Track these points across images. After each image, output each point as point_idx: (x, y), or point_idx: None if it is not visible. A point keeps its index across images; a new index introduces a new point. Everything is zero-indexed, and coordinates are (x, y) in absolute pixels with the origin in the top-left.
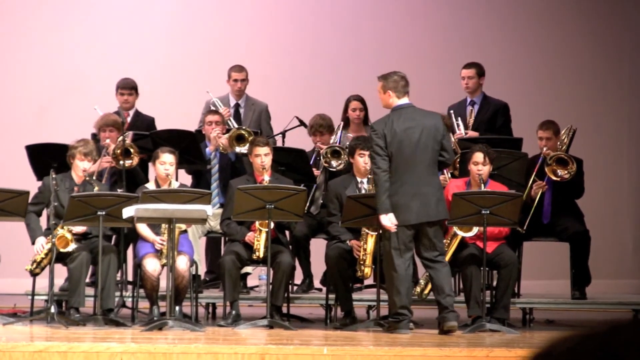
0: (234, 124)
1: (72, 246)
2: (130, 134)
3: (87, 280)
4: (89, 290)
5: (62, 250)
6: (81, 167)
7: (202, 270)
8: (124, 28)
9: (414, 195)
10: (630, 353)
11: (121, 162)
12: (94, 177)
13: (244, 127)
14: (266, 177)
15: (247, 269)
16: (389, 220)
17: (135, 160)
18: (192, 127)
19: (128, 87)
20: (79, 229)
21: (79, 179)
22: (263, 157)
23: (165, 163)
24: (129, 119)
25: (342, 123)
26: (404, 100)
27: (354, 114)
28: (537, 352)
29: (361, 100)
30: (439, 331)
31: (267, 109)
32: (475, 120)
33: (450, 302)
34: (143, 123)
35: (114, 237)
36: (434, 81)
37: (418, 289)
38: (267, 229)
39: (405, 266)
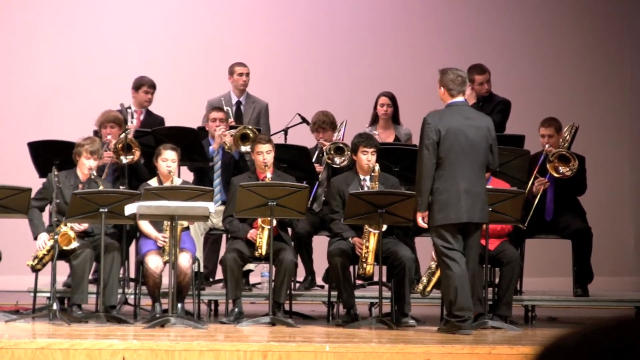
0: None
1: (74, 244)
2: (131, 130)
3: (90, 277)
4: (91, 287)
5: (65, 248)
6: (87, 165)
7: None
8: (125, 25)
9: (466, 193)
10: (638, 348)
11: (122, 158)
12: (95, 172)
13: (249, 127)
14: (268, 174)
15: (250, 266)
16: (422, 219)
17: (136, 155)
18: (193, 125)
19: (153, 86)
20: (80, 227)
21: (84, 176)
22: (265, 154)
23: (167, 160)
24: (141, 117)
25: (345, 120)
26: (459, 99)
27: (381, 110)
28: (544, 348)
29: (390, 96)
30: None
31: (267, 107)
32: None
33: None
34: (154, 122)
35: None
36: (432, 79)
37: (420, 286)
38: (269, 226)
39: (461, 263)
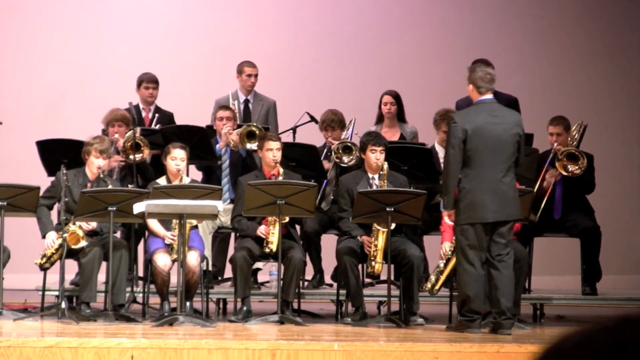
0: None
1: (83, 243)
2: (138, 128)
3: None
4: (100, 286)
5: (73, 247)
6: (96, 164)
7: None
8: (133, 24)
9: (493, 193)
10: (638, 348)
11: (131, 157)
12: (105, 170)
13: (254, 124)
14: (280, 170)
15: (258, 264)
16: (448, 217)
17: (145, 153)
18: (200, 123)
19: (153, 81)
20: (89, 226)
21: (92, 175)
22: (275, 151)
23: (176, 158)
24: (150, 114)
25: (354, 119)
26: (487, 96)
27: (384, 108)
28: (548, 347)
29: (393, 95)
30: (490, 330)
31: (274, 105)
32: None
33: (508, 306)
34: (164, 118)
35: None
36: (439, 77)
37: (429, 285)
38: (280, 222)
39: (478, 265)
